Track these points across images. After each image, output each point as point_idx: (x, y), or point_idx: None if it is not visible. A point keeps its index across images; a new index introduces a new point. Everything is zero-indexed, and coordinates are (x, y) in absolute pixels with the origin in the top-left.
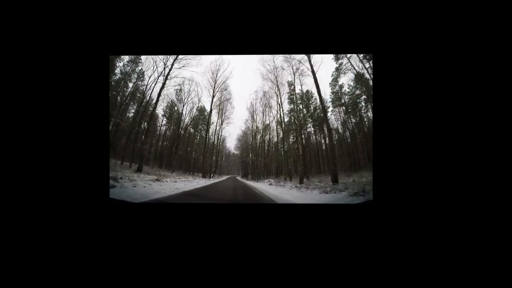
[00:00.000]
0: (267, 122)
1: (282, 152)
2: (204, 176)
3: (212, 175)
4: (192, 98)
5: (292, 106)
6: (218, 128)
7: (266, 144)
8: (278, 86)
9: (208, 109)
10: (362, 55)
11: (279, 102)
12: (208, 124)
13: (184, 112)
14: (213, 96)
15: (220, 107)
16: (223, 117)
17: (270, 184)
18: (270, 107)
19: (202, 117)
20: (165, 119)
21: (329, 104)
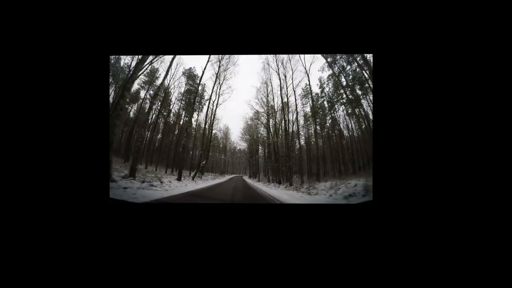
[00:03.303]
0: (289, 94)
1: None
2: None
3: (195, 175)
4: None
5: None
6: (211, 89)
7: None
8: None
9: None
10: None
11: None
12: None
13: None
14: None
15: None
16: (220, 68)
17: None
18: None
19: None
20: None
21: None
